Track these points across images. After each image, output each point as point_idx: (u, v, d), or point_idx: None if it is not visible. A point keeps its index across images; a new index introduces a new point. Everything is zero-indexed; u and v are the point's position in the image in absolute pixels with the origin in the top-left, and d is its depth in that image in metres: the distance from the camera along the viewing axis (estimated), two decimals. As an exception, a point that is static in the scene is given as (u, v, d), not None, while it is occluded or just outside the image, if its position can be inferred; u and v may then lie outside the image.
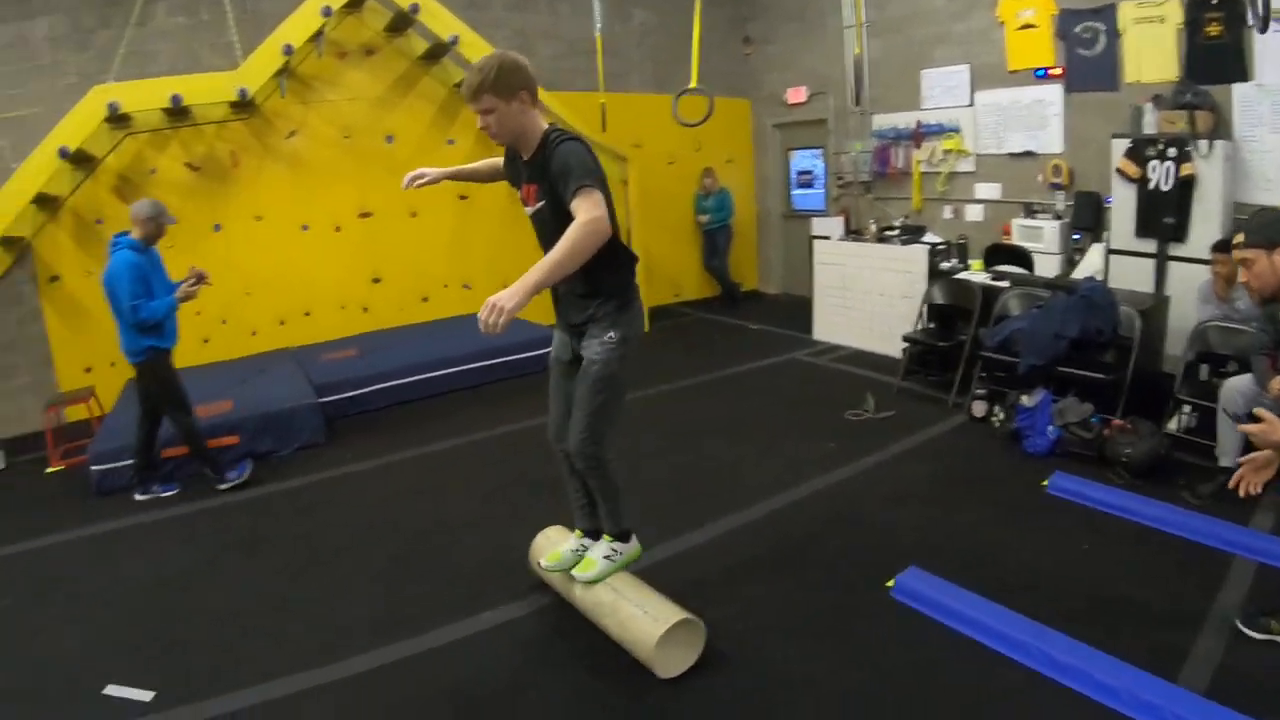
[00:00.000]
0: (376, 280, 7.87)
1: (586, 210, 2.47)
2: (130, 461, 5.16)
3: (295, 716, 2.93)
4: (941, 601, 3.19)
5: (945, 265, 6.70)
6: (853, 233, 8.04)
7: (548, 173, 2.65)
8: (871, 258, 7.28)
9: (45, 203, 6.46)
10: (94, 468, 5.23)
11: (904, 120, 7.90)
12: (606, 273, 2.77)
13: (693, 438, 5.39)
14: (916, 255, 6.83)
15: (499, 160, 3.14)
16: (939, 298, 6.18)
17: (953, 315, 6.12)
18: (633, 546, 3.19)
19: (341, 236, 7.57)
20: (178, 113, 6.56)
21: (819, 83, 8.89)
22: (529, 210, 2.88)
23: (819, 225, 8.53)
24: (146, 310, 4.72)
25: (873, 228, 7.56)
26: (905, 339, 6.11)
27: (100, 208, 6.71)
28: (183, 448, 5.19)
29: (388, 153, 7.55)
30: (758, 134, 9.95)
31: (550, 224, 2.72)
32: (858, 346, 7.28)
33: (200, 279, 4.99)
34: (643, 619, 2.87)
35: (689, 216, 9.51)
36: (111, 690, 3.16)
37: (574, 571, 3.15)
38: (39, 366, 6.95)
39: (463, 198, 7.92)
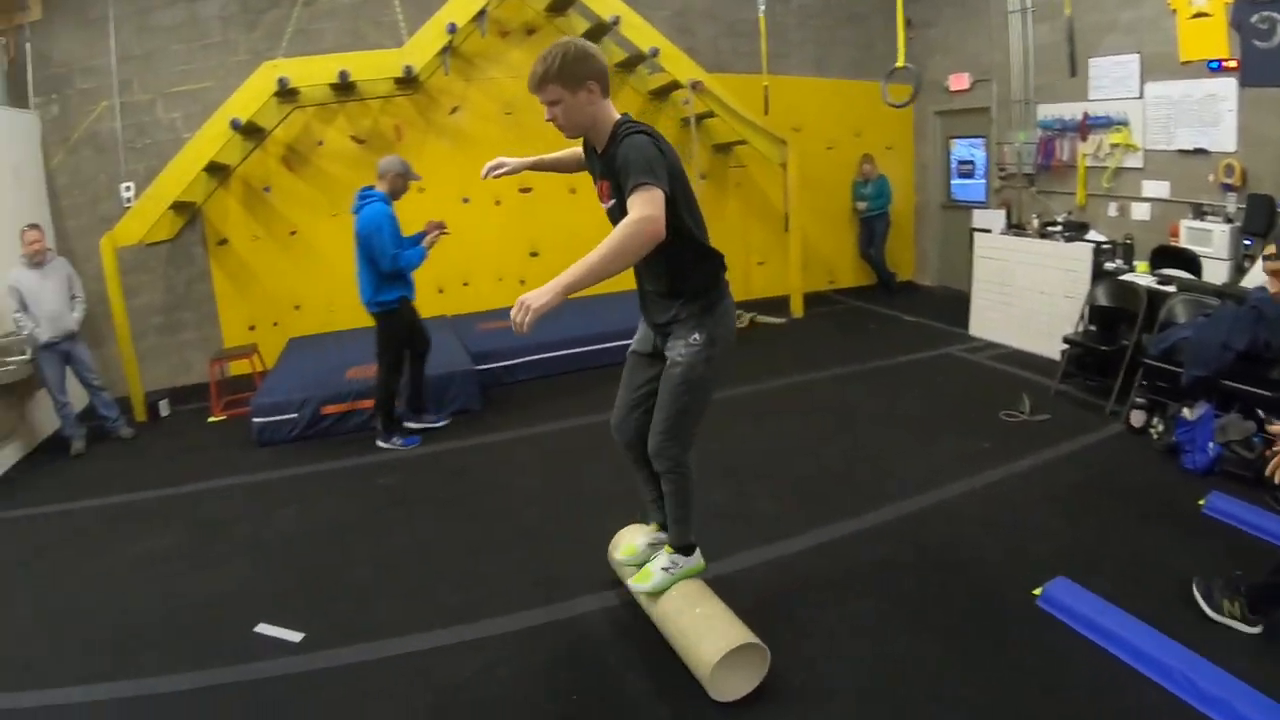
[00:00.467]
0: (534, 254, 7.95)
1: (639, 209, 2.23)
2: (291, 416, 5.48)
3: (434, 671, 2.91)
4: (1088, 615, 2.94)
5: (1110, 265, 6.18)
6: (1014, 227, 7.54)
7: (614, 168, 2.45)
8: (1033, 254, 6.80)
9: (216, 171, 6.82)
10: (255, 420, 5.48)
11: (1070, 111, 7.33)
12: (689, 273, 2.64)
13: (842, 429, 5.16)
14: (1081, 253, 6.33)
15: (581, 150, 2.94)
16: (1102, 299, 5.69)
17: (1115, 318, 5.62)
18: (694, 561, 2.99)
19: (501, 210, 7.70)
20: (344, 88, 6.78)
21: (982, 69, 8.38)
22: (604, 207, 2.69)
23: (980, 217, 8.03)
24: (404, 259, 4.94)
25: (1035, 222, 7.09)
26: (1065, 340, 5.65)
27: (268, 176, 7.07)
28: (368, 402, 5.42)
29: (548, 130, 7.52)
30: (918, 121, 9.49)
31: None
32: (1015, 345, 6.80)
33: (441, 229, 5.20)
34: (703, 636, 2.68)
35: (847, 203, 9.16)
36: (262, 629, 3.25)
37: (631, 581, 3.01)
38: (206, 323, 7.44)
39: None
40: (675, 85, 7.34)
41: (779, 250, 8.17)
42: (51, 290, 5.87)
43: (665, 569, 2.91)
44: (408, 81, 6.92)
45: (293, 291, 7.47)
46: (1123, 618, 2.88)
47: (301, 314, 7.51)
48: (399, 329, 5.14)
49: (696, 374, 2.65)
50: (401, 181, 5.00)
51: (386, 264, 4.85)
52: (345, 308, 7.19)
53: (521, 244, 7.90)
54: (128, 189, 7.07)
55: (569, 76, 2.43)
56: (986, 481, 4.25)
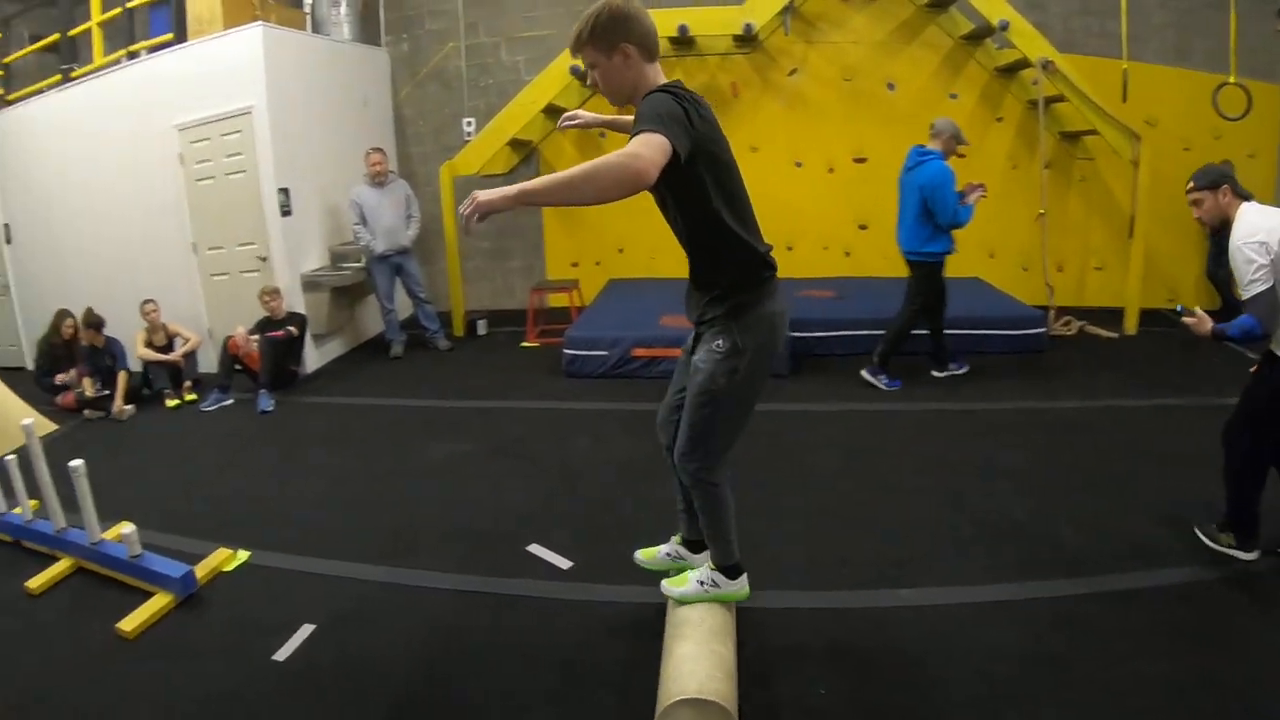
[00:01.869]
0: (863, 227, 7.67)
1: (631, 145, 1.90)
2: (601, 353, 5.73)
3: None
4: None
5: None
6: None
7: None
8: None
9: (554, 114, 7.12)
10: (567, 351, 5.75)
11: None
12: (718, 263, 2.30)
13: (1164, 469, 4.18)
14: None
15: None
16: None
17: None
18: (736, 586, 2.63)
19: (833, 178, 7.50)
20: (683, 42, 6.83)
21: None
22: None
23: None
24: (964, 214, 5.13)
25: None
26: None
27: (603, 123, 7.30)
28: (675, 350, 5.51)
29: (888, 100, 7.29)
30: (1289, 127, 8.21)
31: (659, 196, 2.28)
32: None
33: (981, 189, 5.31)
34: (675, 674, 2.28)
35: (1198, 213, 8.05)
36: (535, 549, 3.37)
37: (665, 582, 2.72)
38: (531, 253, 8.04)
39: (959, 155, 7.44)
40: (1023, 63, 6.75)
41: (1119, 257, 7.31)
42: (389, 207, 6.46)
43: (702, 583, 2.62)
44: (746, 40, 6.85)
45: (618, 234, 7.76)
46: None
47: (624, 257, 7.83)
48: (936, 279, 5.35)
49: (717, 385, 2.30)
50: (954, 143, 5.20)
51: (947, 218, 5.06)
52: (667, 255, 7.22)
53: (851, 215, 7.63)
54: (469, 123, 7.64)
55: (602, 40, 2.22)
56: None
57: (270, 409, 5.73)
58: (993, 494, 3.75)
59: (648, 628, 2.76)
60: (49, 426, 6.01)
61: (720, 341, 2.29)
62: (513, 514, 3.72)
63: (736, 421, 2.41)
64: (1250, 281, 2.91)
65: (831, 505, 3.74)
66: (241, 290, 6.46)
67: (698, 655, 2.33)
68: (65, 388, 6.19)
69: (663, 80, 2.24)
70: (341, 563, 3.45)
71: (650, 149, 1.89)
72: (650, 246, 7.57)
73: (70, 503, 3.46)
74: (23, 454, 3.66)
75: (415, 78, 7.94)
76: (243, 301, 6.34)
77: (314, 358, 6.72)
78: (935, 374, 5.60)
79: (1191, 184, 3.17)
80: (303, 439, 5.15)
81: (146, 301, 6.27)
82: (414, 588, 3.22)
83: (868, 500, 3.79)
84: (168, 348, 6.36)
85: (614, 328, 5.84)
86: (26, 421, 3.67)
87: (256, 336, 5.97)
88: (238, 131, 6.22)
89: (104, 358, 6.27)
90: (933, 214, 5.09)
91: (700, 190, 2.18)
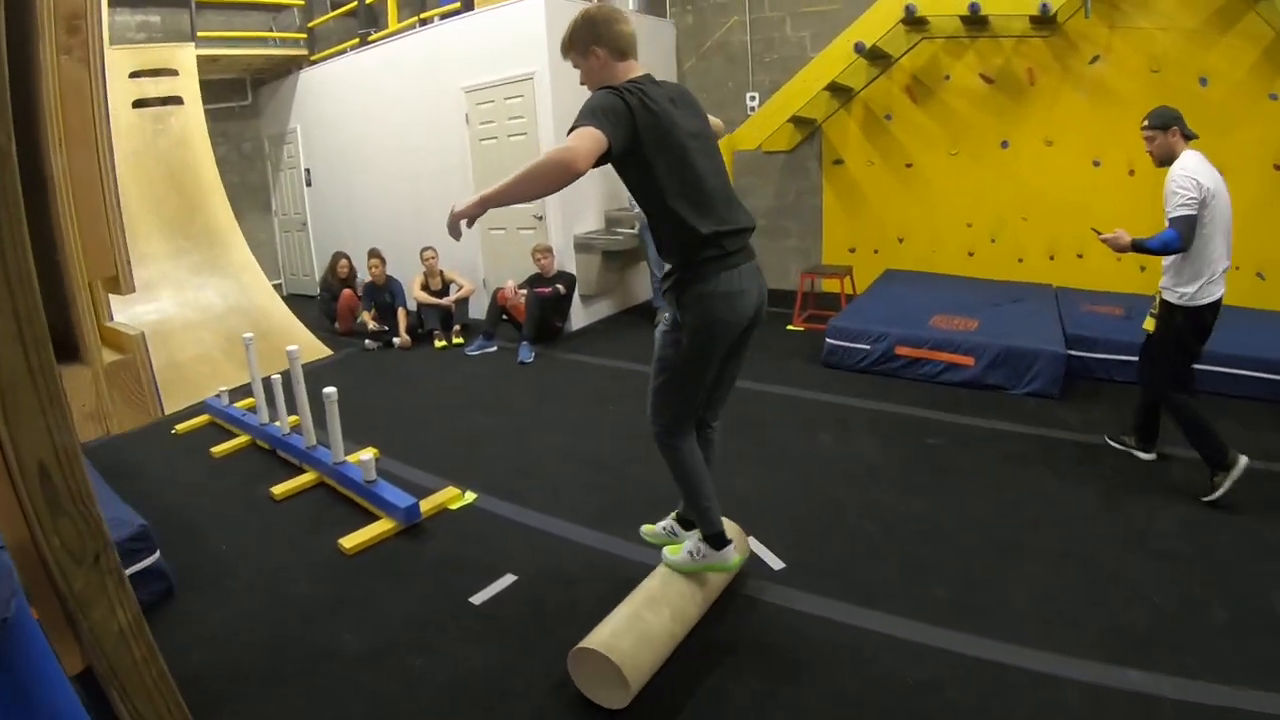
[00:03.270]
0: None
1: (566, 139, 2.16)
2: (864, 346, 5.30)
3: (878, 659, 2.48)
4: None
5: None
6: None
7: None
8: None
9: (839, 92, 6.79)
10: (829, 340, 5.41)
11: None
12: (665, 240, 2.43)
13: None
14: None
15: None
16: None
17: None
18: (721, 556, 2.68)
19: (1135, 182, 6.55)
20: (975, 22, 6.23)
21: None
22: None
23: None
24: None
25: None
26: None
27: (890, 104, 6.87)
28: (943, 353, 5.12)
29: (1200, 96, 6.28)
30: None
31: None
32: None
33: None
34: (606, 623, 2.44)
35: None
36: (750, 541, 3.15)
37: (664, 549, 2.83)
38: (808, 235, 7.72)
39: (1278, 166, 6.44)
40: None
41: None
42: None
43: (690, 553, 2.72)
44: (1044, 21, 6.09)
45: (899, 223, 7.27)
46: None
47: (903, 247, 7.29)
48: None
49: (665, 355, 2.55)
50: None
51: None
52: (948, 250, 6.96)
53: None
54: (752, 98, 7.45)
55: (578, 44, 2.48)
56: None
57: (529, 360, 5.93)
58: (1259, 575, 2.91)
59: (846, 648, 2.54)
60: (324, 352, 6.52)
61: (667, 315, 2.54)
62: (736, 500, 3.46)
63: (686, 391, 2.53)
64: (1180, 205, 3.46)
65: (1076, 550, 3.11)
66: (516, 246, 6.73)
67: (621, 615, 2.47)
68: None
69: (632, 76, 2.41)
70: (559, 520, 3.47)
71: (580, 141, 2.14)
72: (932, 238, 7.04)
73: (324, 423, 3.77)
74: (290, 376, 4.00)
75: (699, 50, 7.88)
76: (516, 257, 6.61)
77: (579, 316, 6.87)
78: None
79: (1146, 123, 3.70)
80: (554, 393, 5.25)
81: (426, 249, 6.63)
82: (617, 556, 3.17)
83: (1119, 554, 3.09)
84: (443, 292, 6.71)
85: (881, 322, 5.39)
86: (291, 348, 4.04)
87: (525, 291, 6.14)
88: (520, 96, 6.47)
89: (384, 294, 6.73)
90: None
91: (644, 174, 2.34)
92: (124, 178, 6.62)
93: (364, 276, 7.13)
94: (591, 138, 2.15)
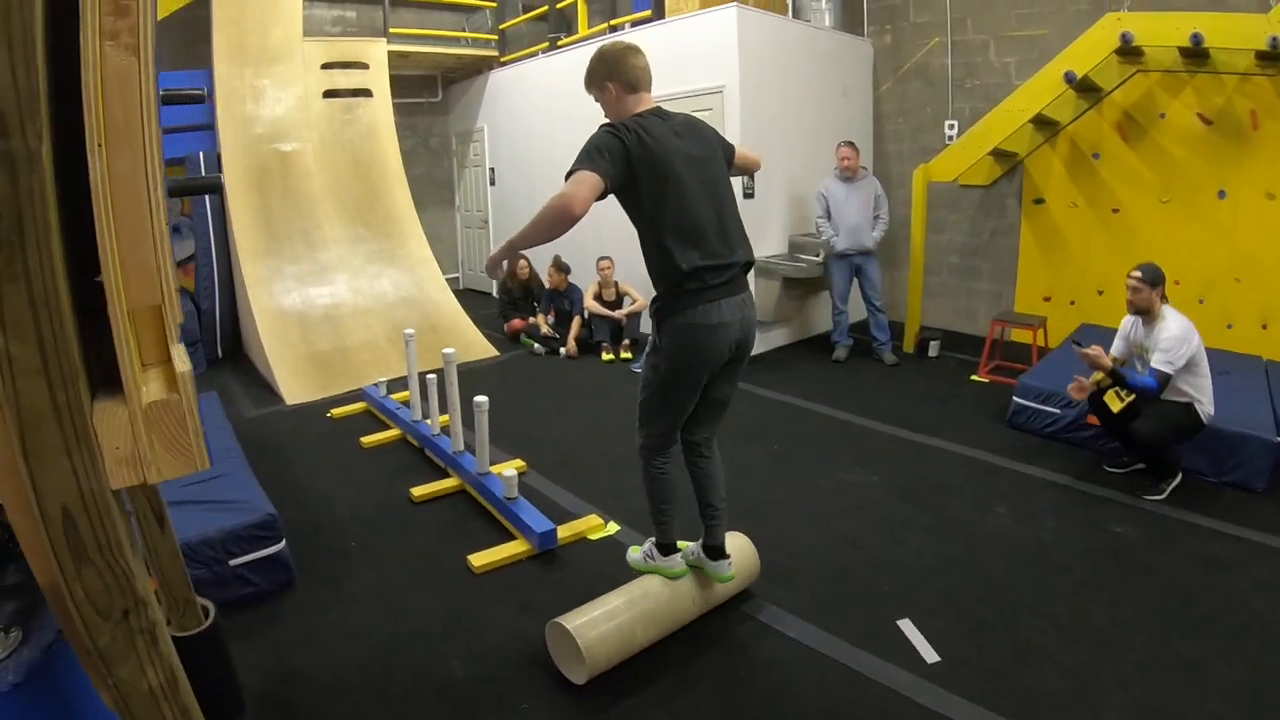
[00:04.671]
0: None
1: (565, 185, 2.34)
2: (1053, 410, 4.82)
3: None
4: None
5: None
6: None
7: None
8: None
9: (1044, 125, 6.34)
10: (1015, 398, 4.98)
11: None
12: (652, 268, 2.59)
13: None
14: None
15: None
16: None
17: None
18: (669, 563, 2.96)
19: None
20: (1196, 55, 5.64)
21: None
22: None
23: None
24: None
25: None
26: None
27: (1099, 141, 6.32)
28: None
29: None
30: None
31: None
32: None
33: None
34: (582, 607, 2.73)
35: None
36: (904, 626, 2.95)
37: (630, 547, 3.15)
38: (1001, 278, 7.23)
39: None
40: None
41: None
42: (856, 205, 6.19)
43: (645, 555, 3.00)
44: (1273, 58, 5.48)
45: (1100, 274, 6.58)
46: None
47: (1103, 300, 6.57)
48: None
49: (646, 376, 2.72)
50: None
51: None
52: None
53: None
54: (951, 126, 7.11)
55: (592, 80, 2.67)
56: None
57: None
58: None
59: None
60: (491, 351, 6.70)
61: (653, 338, 2.67)
62: (895, 572, 3.28)
63: (664, 411, 2.71)
64: (1169, 362, 3.81)
65: (1271, 690, 2.61)
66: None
67: (597, 604, 2.75)
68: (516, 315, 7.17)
69: (643, 108, 2.59)
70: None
71: (577, 188, 2.32)
72: (1134, 294, 6.46)
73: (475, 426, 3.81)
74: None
75: (897, 72, 7.56)
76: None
77: (755, 343, 6.66)
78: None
79: (1138, 274, 3.99)
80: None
81: (602, 258, 6.68)
82: (756, 620, 3.00)
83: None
84: (615, 304, 6.72)
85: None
86: (447, 351, 4.14)
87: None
88: (709, 109, 6.33)
89: (564, 301, 6.85)
90: None
91: (636, 207, 2.54)
92: (310, 164, 7.10)
93: (544, 279, 7.29)
94: (588, 183, 2.33)
